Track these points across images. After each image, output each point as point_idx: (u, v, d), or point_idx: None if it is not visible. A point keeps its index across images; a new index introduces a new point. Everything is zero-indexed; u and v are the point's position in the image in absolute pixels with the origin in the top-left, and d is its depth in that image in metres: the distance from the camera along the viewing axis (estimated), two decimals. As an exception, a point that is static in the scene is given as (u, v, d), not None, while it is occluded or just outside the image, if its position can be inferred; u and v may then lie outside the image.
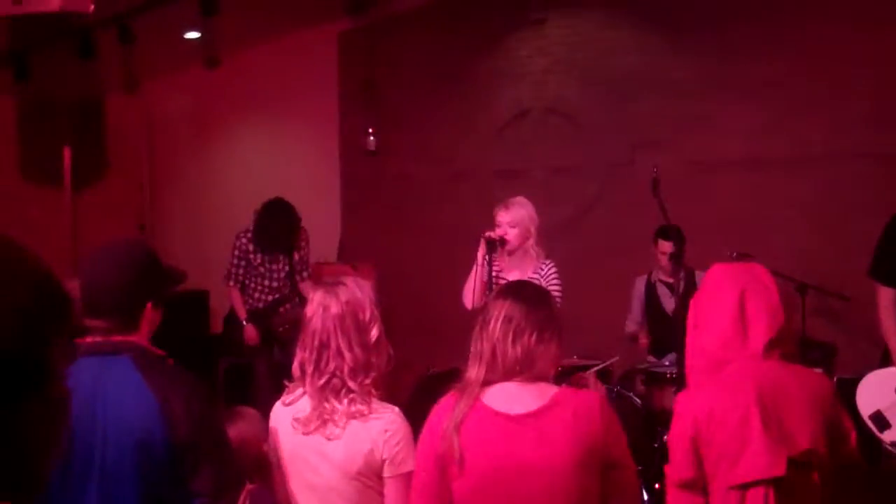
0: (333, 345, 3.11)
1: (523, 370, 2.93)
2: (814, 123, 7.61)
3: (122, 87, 8.79)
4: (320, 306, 3.16)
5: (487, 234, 5.48)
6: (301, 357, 3.19)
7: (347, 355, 3.09)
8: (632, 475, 3.04)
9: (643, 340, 6.98)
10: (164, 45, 9.18)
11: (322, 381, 3.09)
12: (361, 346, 3.11)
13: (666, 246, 6.50)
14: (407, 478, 3.01)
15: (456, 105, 9.35)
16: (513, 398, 2.92)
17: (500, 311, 2.98)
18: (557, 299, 5.26)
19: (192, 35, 8.89)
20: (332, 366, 3.10)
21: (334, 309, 3.13)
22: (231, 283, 7.37)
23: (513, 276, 5.50)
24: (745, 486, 2.88)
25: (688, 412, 2.99)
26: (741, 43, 7.99)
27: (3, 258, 1.06)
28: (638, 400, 6.26)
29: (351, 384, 3.07)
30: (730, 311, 3.02)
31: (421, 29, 9.51)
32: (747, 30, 7.98)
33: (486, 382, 2.95)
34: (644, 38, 8.56)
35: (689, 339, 3.19)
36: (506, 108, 9.16)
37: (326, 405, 3.07)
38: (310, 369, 3.14)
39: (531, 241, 5.67)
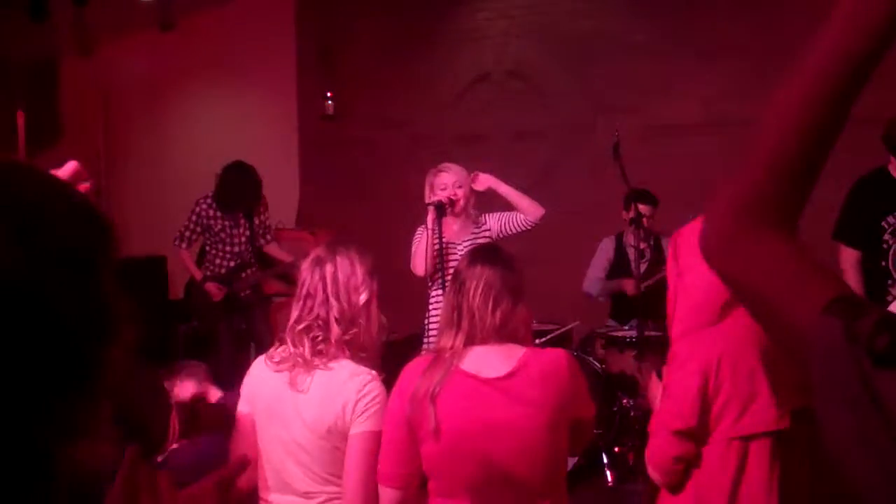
0: (320, 295, 3.14)
1: (499, 335, 2.93)
2: (774, 86, 7.62)
3: (77, 49, 8.66)
4: (314, 262, 3.21)
5: (435, 199, 5.44)
6: (292, 311, 3.23)
7: (334, 304, 3.12)
8: (591, 424, 3.08)
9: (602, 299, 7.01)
10: (118, 7, 9.04)
11: (302, 327, 3.13)
12: (348, 302, 3.13)
13: (647, 210, 6.49)
14: (371, 437, 3.00)
15: (415, 68, 9.29)
16: (484, 361, 2.92)
17: (478, 279, 2.97)
18: (516, 217, 5.60)
19: (147, -3, 8.77)
20: (314, 313, 3.13)
21: (327, 264, 3.18)
22: (183, 245, 7.28)
23: (460, 239, 5.51)
24: (748, 438, 2.86)
25: (695, 358, 2.92)
26: (702, 6, 7.98)
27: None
28: (598, 364, 6.29)
29: (331, 333, 3.10)
30: None
31: (380, -9, 9.43)
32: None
33: (463, 348, 2.95)
34: (604, 0, 8.54)
35: (672, 286, 3.12)
36: (466, 72, 9.12)
37: (300, 349, 3.11)
38: (295, 314, 3.18)
39: (472, 202, 5.66)
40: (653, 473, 2.98)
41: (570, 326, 6.52)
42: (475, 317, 2.93)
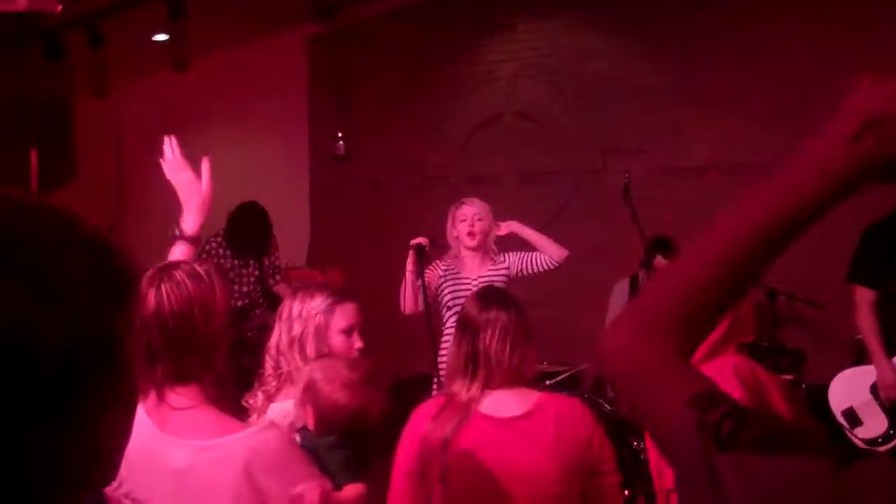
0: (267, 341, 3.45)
1: (515, 378, 2.93)
2: (782, 130, 7.64)
3: (91, 89, 8.71)
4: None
5: (415, 241, 5.50)
6: None
7: (272, 352, 3.41)
8: (614, 483, 3.02)
9: None
10: (133, 47, 9.09)
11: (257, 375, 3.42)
12: (282, 343, 3.36)
13: (664, 264, 6.47)
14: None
15: (425, 110, 9.32)
16: (499, 403, 2.91)
17: (494, 324, 2.96)
18: (538, 257, 5.74)
19: (161, 37, 8.82)
20: (264, 360, 3.42)
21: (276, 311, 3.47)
22: None
23: (475, 274, 5.58)
24: None
25: None
26: (710, 51, 8.01)
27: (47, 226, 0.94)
28: (608, 406, 6.25)
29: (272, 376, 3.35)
30: None
31: (390, 34, 9.48)
32: (715, 38, 8.00)
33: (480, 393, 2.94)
34: (614, 43, 8.57)
35: None
36: (476, 114, 9.14)
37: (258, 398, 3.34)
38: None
39: (492, 238, 5.74)
40: None
41: (580, 368, 6.50)
42: (492, 361, 2.92)
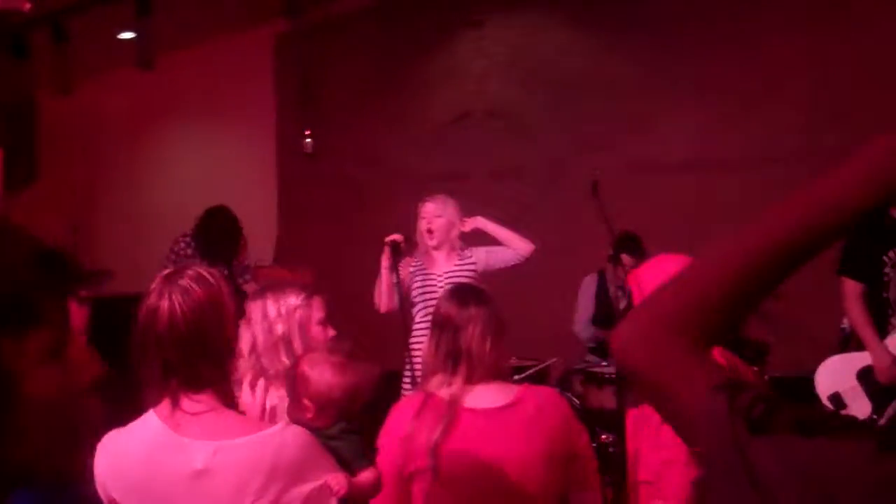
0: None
1: (494, 372, 2.98)
2: (751, 126, 7.71)
3: (56, 87, 8.65)
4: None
5: (391, 238, 5.53)
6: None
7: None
8: (592, 467, 3.09)
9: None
10: (99, 45, 9.04)
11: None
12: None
13: (630, 261, 6.54)
14: None
15: (395, 107, 9.33)
16: (482, 396, 2.96)
17: (475, 320, 3.01)
18: (504, 252, 5.79)
19: (127, 35, 8.78)
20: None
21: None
22: None
23: (441, 270, 5.61)
24: None
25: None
26: (680, 45, 8.06)
27: None
28: (576, 400, 6.29)
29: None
30: None
31: (359, 30, 9.48)
32: (686, 32, 8.05)
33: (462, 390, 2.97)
34: (584, 39, 8.61)
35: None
36: (445, 111, 9.16)
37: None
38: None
39: (455, 234, 5.76)
40: None
41: (548, 363, 6.53)
42: (473, 357, 2.96)
